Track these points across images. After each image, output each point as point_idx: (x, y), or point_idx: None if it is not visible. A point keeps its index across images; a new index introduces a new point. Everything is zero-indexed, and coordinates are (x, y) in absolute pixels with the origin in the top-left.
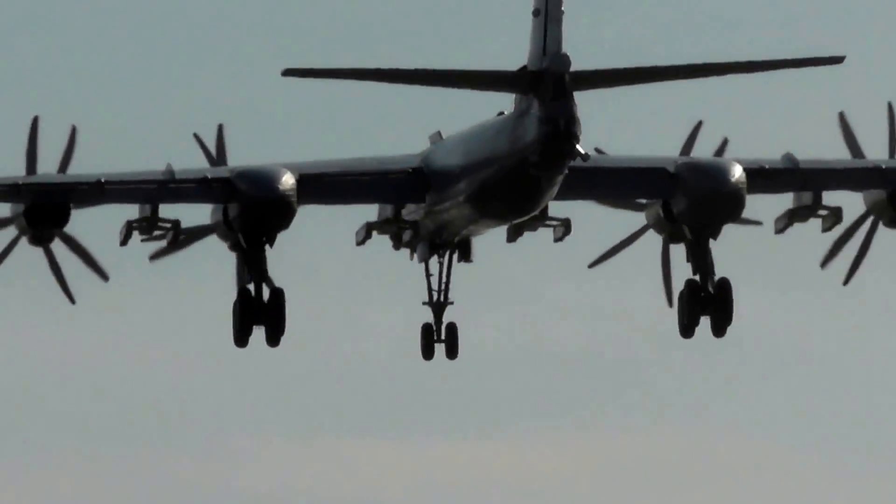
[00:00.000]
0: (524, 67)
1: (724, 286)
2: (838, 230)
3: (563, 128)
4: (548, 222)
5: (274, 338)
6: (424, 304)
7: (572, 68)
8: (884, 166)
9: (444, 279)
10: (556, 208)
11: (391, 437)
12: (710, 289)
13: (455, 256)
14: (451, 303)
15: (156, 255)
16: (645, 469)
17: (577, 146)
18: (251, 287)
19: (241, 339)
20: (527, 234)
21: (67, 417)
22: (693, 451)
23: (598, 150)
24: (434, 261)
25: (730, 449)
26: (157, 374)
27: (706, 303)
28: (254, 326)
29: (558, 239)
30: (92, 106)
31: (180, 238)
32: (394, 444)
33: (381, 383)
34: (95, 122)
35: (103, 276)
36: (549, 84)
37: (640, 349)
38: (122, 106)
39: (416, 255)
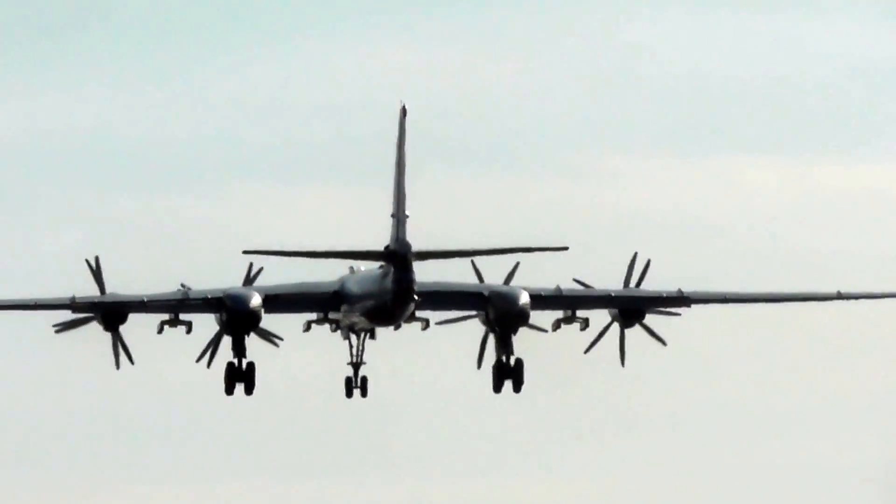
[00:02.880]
0: (387, 247)
1: (519, 362)
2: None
3: (406, 286)
4: (415, 320)
5: (249, 391)
6: (348, 364)
7: (413, 249)
8: (613, 294)
9: (360, 348)
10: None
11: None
12: (511, 363)
13: (366, 336)
14: (365, 363)
15: (200, 357)
16: None
17: (414, 294)
18: (235, 361)
19: (229, 390)
20: (405, 326)
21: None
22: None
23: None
24: (354, 338)
25: None
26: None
27: (507, 372)
28: (236, 383)
29: (424, 329)
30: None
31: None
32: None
33: (316, 418)
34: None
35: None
36: (398, 260)
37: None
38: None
39: (342, 335)
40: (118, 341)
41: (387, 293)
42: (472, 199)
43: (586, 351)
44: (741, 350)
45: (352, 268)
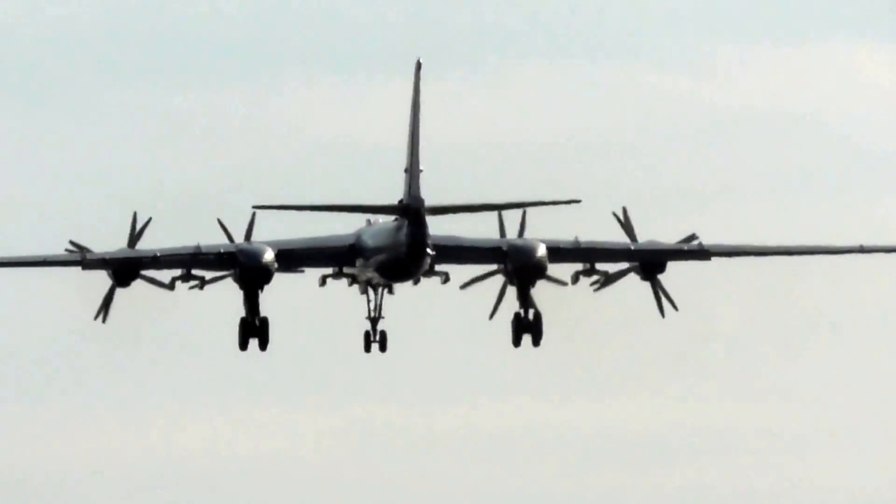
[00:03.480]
0: (401, 201)
1: (537, 316)
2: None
3: (419, 240)
4: (434, 275)
5: (263, 346)
6: (366, 318)
7: (426, 205)
8: (632, 247)
9: (378, 303)
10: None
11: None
12: (530, 317)
13: (384, 290)
14: (383, 317)
15: (193, 287)
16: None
17: (428, 249)
18: (248, 316)
19: (243, 346)
20: (424, 280)
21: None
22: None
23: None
24: (371, 293)
25: None
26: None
27: (526, 326)
28: (250, 339)
29: (444, 282)
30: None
31: (207, 280)
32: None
33: (339, 362)
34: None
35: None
36: (411, 214)
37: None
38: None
39: (359, 289)
40: (111, 295)
41: (400, 247)
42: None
43: (598, 289)
44: (764, 305)
45: (369, 220)
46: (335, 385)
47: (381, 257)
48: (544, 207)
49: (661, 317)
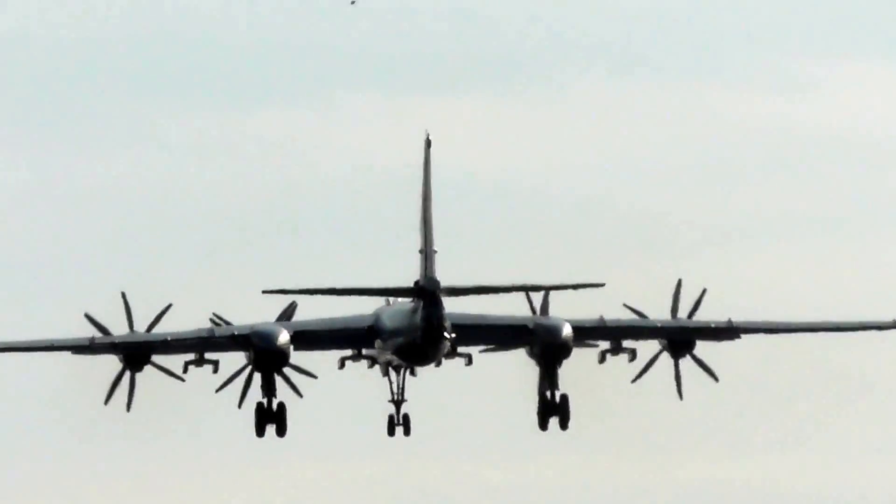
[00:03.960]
0: (417, 282)
1: (564, 398)
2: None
3: (435, 323)
4: (457, 356)
5: (281, 432)
6: (389, 401)
7: (442, 285)
8: (659, 325)
9: (400, 385)
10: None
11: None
12: (556, 399)
13: (406, 372)
14: (406, 400)
15: (220, 388)
16: None
17: (445, 333)
18: (265, 400)
19: (260, 432)
20: (447, 361)
21: None
22: None
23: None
24: (393, 375)
25: None
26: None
27: (553, 408)
28: (267, 425)
29: (467, 364)
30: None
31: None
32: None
33: (364, 453)
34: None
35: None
36: (427, 296)
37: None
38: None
39: (381, 371)
40: (119, 380)
41: (416, 330)
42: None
43: (634, 380)
44: (795, 382)
45: (389, 300)
46: (358, 470)
47: (398, 340)
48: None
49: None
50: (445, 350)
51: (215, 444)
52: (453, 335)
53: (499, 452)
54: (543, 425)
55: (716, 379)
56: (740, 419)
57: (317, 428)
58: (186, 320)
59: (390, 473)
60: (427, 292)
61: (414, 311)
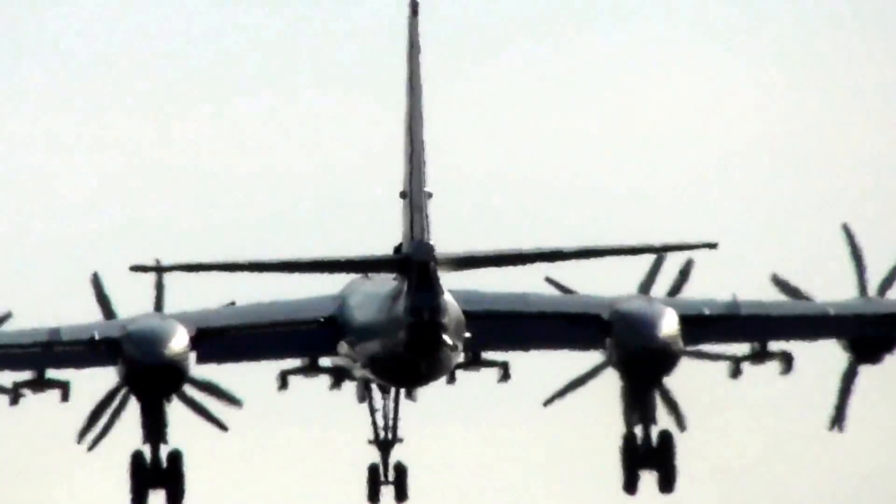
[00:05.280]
0: (398, 248)
1: (666, 439)
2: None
3: (427, 318)
4: (480, 366)
5: (173, 501)
6: (370, 442)
7: (441, 253)
8: (832, 312)
9: (390, 416)
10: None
11: None
12: (652, 441)
13: (398, 394)
14: (400, 441)
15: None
16: None
17: (445, 336)
18: (146, 449)
19: (138, 501)
20: (466, 374)
21: None
22: None
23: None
24: (378, 399)
25: None
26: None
27: (646, 456)
28: (149, 490)
29: (501, 379)
30: None
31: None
32: None
33: None
34: None
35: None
36: (414, 272)
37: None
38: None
39: (356, 394)
40: None
41: (396, 330)
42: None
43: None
44: None
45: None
46: None
47: (370, 346)
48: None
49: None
50: (452, 361)
51: None
52: (465, 336)
53: None
54: (631, 485)
55: None
56: None
57: (242, 494)
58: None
59: None
60: (414, 264)
61: (394, 295)
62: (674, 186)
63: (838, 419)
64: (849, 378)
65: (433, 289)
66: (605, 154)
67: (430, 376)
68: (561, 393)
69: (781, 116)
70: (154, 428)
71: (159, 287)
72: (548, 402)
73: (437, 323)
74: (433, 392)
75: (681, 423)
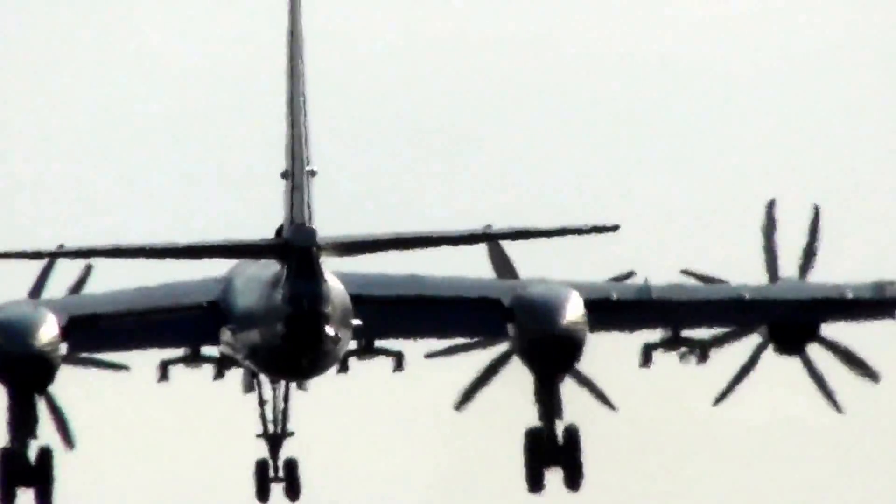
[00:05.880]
0: (280, 231)
1: (572, 435)
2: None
3: (306, 308)
4: (373, 354)
5: (43, 497)
6: (259, 436)
7: (325, 238)
8: (748, 296)
9: (280, 409)
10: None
11: None
12: (558, 436)
13: (288, 385)
14: (291, 434)
15: None
16: None
17: (326, 327)
18: (11, 444)
19: (7, 499)
20: (360, 364)
21: None
22: None
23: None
24: (267, 389)
25: None
26: None
27: (552, 453)
28: (17, 488)
29: (396, 369)
30: None
31: None
32: None
33: None
34: None
35: None
36: (294, 258)
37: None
38: None
39: (243, 385)
40: None
41: (276, 318)
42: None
43: (717, 401)
44: None
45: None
46: None
47: (249, 336)
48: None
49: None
50: (338, 351)
51: None
52: (354, 324)
53: None
54: (535, 483)
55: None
56: None
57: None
58: None
59: None
60: (294, 250)
61: (273, 282)
62: (578, 167)
63: (724, 394)
64: (753, 359)
65: (314, 276)
66: (503, 136)
67: (313, 369)
68: (470, 391)
69: (693, 94)
70: (22, 423)
71: (44, 273)
72: (459, 404)
73: (317, 313)
74: (326, 382)
75: (611, 406)
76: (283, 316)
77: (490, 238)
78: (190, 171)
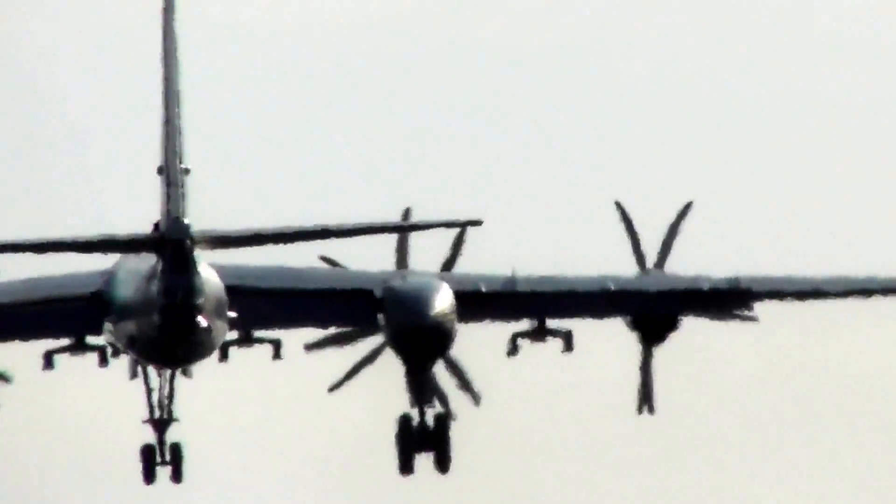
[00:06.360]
0: (157, 225)
1: (441, 422)
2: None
3: (180, 300)
4: (252, 342)
5: None
6: (146, 422)
7: (197, 231)
8: (613, 287)
9: (165, 394)
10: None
11: None
12: (428, 422)
13: (174, 372)
14: (176, 420)
15: None
16: None
17: (199, 318)
18: None
19: None
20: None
21: None
22: None
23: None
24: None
25: None
26: None
27: (423, 439)
28: None
29: (275, 357)
30: None
31: None
32: None
33: None
34: None
35: None
36: (168, 251)
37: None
38: None
39: (128, 371)
40: None
41: (150, 311)
42: None
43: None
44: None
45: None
46: None
47: (128, 327)
48: None
49: (647, 412)
50: (214, 341)
51: None
52: (230, 316)
53: None
54: (406, 466)
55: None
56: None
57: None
58: None
59: None
60: (168, 243)
61: (150, 275)
62: (442, 160)
63: (646, 400)
64: (646, 360)
65: (188, 269)
66: (378, 131)
67: (189, 359)
68: (346, 377)
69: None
70: None
71: None
72: (333, 387)
73: (190, 305)
74: (209, 370)
75: (476, 398)
76: (157, 307)
77: (358, 233)
78: (70, 167)
